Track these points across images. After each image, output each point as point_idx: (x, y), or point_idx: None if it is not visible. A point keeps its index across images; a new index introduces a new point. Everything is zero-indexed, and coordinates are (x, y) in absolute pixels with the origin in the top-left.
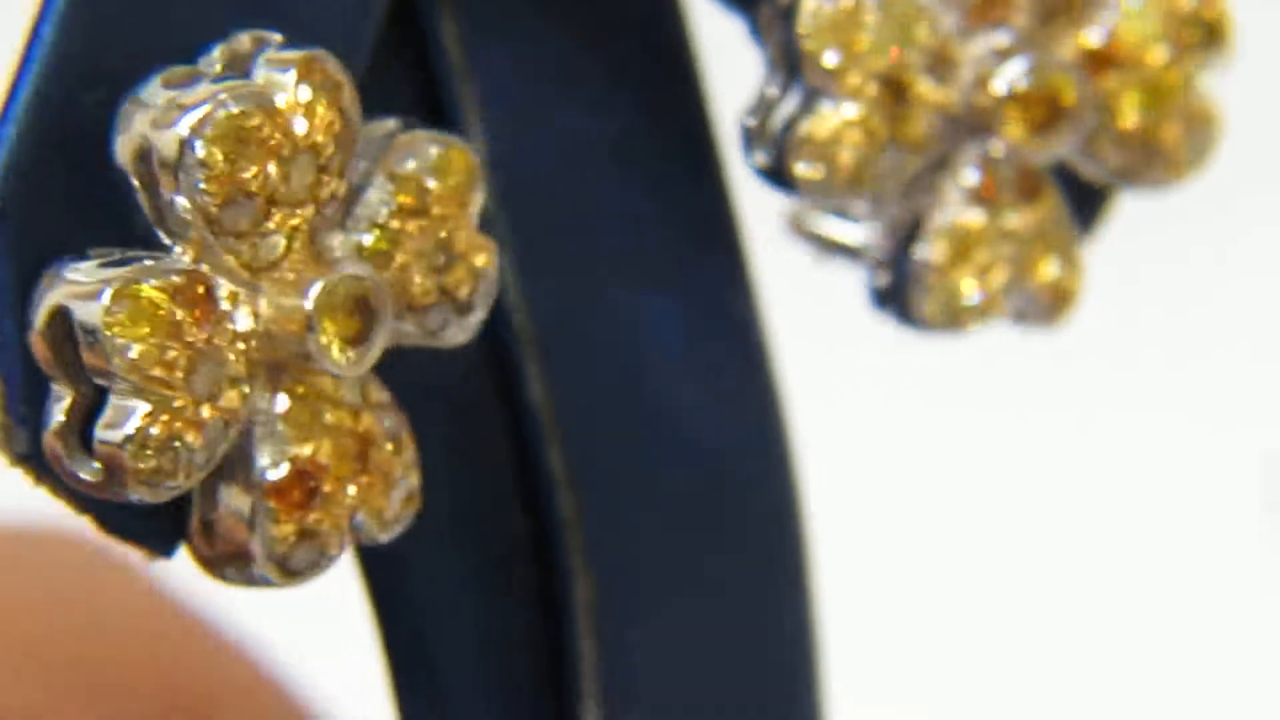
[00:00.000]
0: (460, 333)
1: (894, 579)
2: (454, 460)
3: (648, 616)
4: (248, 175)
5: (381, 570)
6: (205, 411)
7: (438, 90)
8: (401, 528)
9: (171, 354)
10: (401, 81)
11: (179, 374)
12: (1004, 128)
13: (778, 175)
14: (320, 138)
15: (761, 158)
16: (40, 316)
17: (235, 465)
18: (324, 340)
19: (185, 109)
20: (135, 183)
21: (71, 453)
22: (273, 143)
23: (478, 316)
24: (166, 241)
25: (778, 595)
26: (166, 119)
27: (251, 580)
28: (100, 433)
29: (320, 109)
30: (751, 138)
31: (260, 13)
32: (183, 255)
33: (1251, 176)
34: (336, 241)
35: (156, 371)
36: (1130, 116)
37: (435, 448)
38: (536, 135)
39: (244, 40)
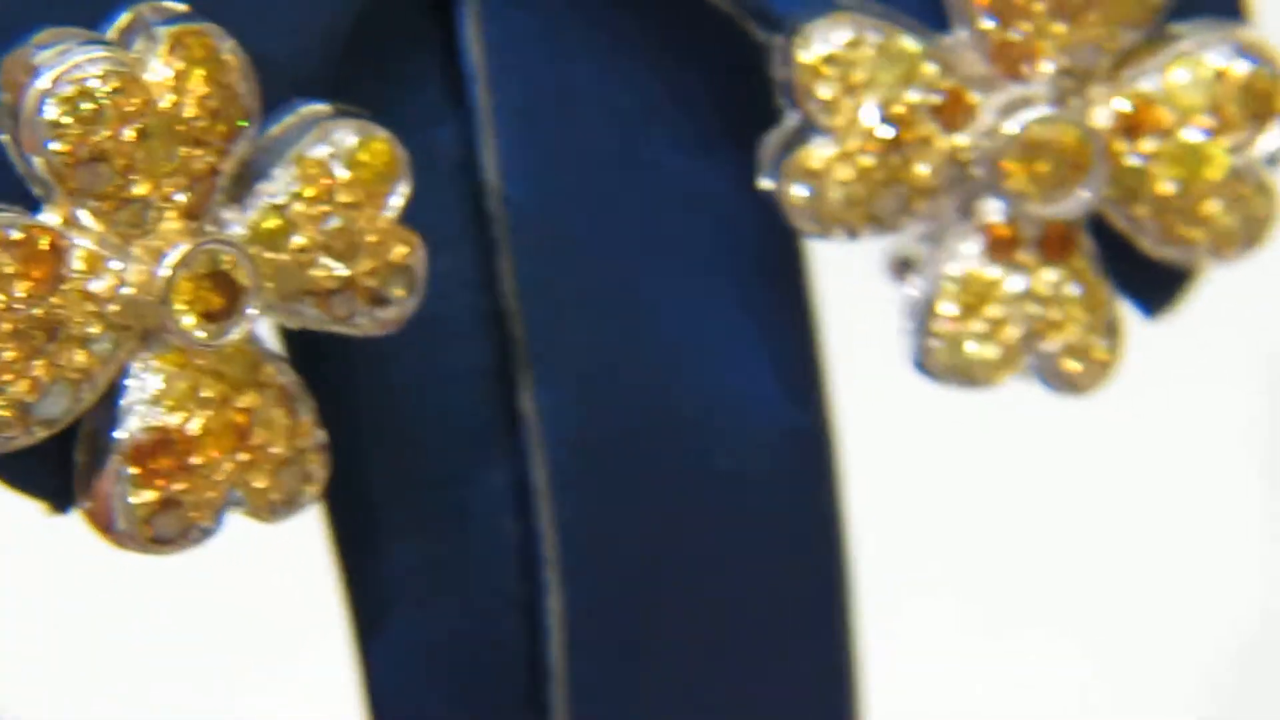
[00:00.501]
0: (373, 324)
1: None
2: (445, 459)
3: (627, 635)
4: (98, 138)
5: (352, 545)
6: (38, 367)
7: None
8: (297, 509)
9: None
10: (432, 76)
11: (6, 326)
12: (1008, 179)
13: (775, 200)
14: (191, 111)
15: (766, 181)
16: None
17: (108, 428)
18: (176, 309)
19: (42, 69)
20: (5, 138)
21: None
22: (129, 109)
23: (394, 310)
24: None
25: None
26: (26, 78)
27: (123, 544)
28: None
29: (193, 83)
30: (763, 161)
31: None
32: (50, 214)
33: None
34: (232, 216)
35: None
36: (1165, 184)
37: (427, 445)
38: (551, 143)
39: (145, 10)
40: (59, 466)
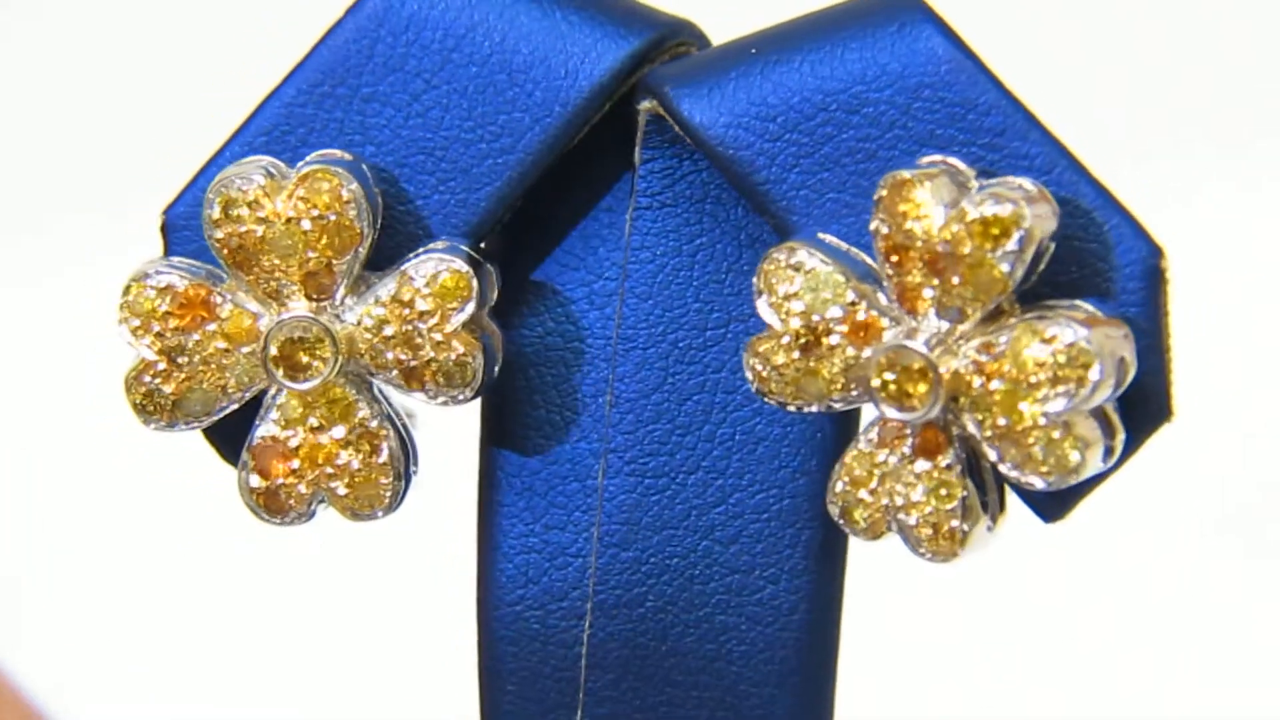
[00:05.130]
0: (441, 398)
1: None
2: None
3: (636, 660)
4: (240, 232)
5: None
6: (182, 378)
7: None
8: (370, 519)
9: (155, 330)
10: (614, 241)
11: (157, 345)
12: (878, 390)
13: None
14: (309, 225)
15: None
16: None
17: (251, 430)
18: (271, 357)
19: (223, 181)
20: (205, 228)
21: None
22: (261, 215)
23: (454, 392)
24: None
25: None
26: (214, 186)
27: (251, 512)
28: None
29: (315, 205)
30: None
31: (408, 146)
32: (223, 279)
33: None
34: (350, 303)
35: (146, 339)
36: (1000, 418)
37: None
38: (659, 309)
39: (321, 153)
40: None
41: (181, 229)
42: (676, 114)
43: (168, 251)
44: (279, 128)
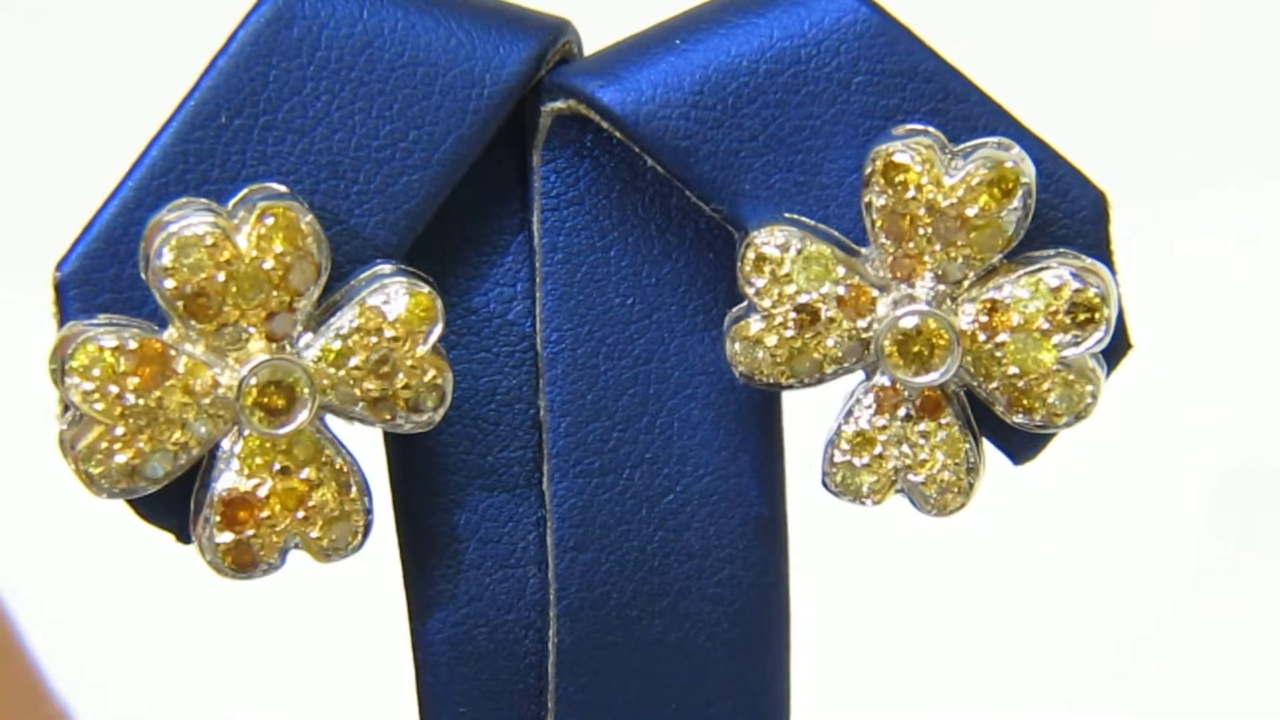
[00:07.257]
0: (410, 425)
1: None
2: (496, 513)
3: (605, 665)
4: (198, 279)
5: (419, 550)
6: (143, 440)
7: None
8: (346, 555)
9: (113, 393)
10: (511, 247)
11: (117, 410)
12: (889, 356)
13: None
14: (271, 264)
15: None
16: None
17: (206, 486)
18: (246, 405)
19: (167, 225)
20: (143, 277)
21: (64, 452)
22: (221, 259)
23: (425, 416)
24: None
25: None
26: (156, 232)
27: (214, 570)
28: (66, 439)
29: (274, 244)
30: (725, 328)
31: (318, 171)
32: (168, 330)
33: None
34: (307, 340)
35: (100, 405)
36: (1009, 368)
37: (482, 505)
38: (582, 306)
39: (255, 189)
40: (181, 510)
41: (80, 285)
42: (607, 110)
43: (62, 311)
44: (176, 167)
